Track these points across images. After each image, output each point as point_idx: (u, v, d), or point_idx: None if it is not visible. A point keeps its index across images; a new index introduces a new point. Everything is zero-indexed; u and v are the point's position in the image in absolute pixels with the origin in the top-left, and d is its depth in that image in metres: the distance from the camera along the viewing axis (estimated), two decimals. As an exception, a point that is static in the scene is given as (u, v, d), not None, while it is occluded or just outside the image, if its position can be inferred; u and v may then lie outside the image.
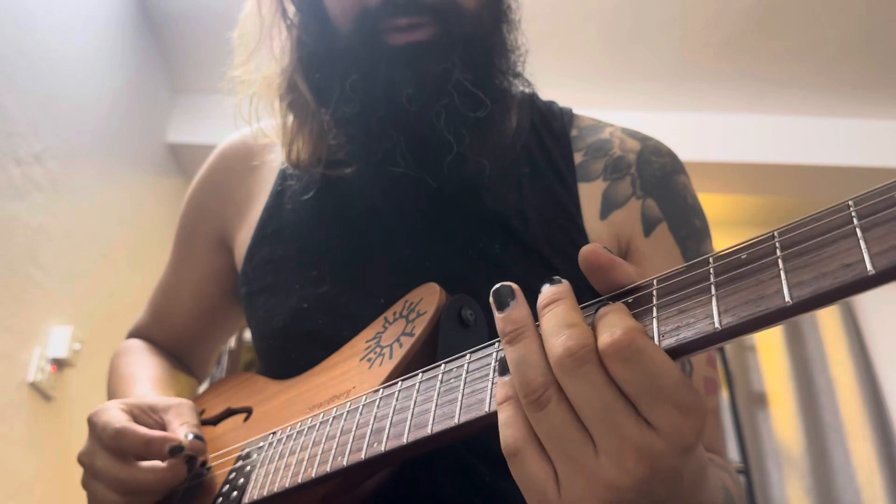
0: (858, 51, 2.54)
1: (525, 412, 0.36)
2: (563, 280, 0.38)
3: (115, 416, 0.60)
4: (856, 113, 2.80)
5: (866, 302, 3.05)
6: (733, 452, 2.75)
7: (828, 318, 3.05)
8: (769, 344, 3.06)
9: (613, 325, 0.34)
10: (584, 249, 0.38)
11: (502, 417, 0.37)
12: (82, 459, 0.61)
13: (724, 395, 2.88)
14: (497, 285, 0.39)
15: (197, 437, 0.60)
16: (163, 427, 0.63)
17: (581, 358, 0.34)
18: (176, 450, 0.58)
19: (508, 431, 0.37)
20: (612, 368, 0.34)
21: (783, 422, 2.86)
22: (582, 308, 0.38)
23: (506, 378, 0.38)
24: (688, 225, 0.71)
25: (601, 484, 0.34)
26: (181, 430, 0.61)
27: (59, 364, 1.84)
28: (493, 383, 0.41)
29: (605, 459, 0.34)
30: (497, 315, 0.38)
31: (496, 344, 0.44)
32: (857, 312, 3.06)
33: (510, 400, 0.37)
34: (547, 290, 0.38)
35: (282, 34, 0.74)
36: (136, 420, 0.62)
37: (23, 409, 1.70)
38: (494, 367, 0.42)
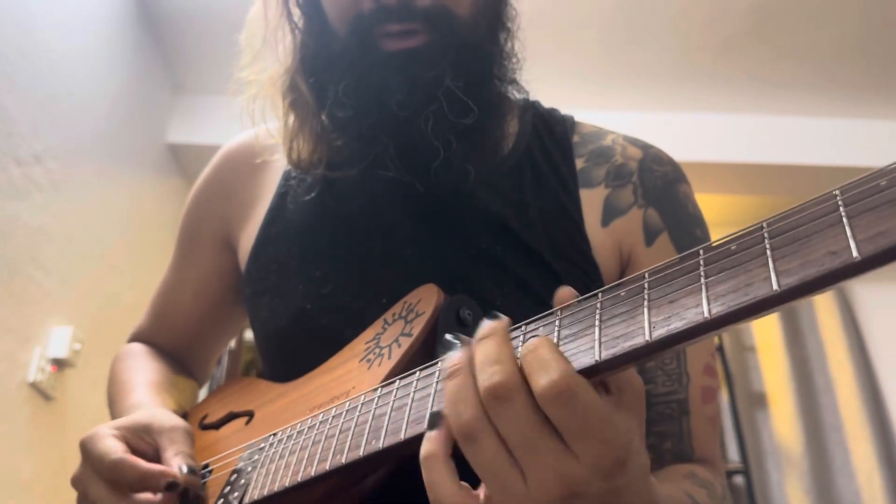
0: (855, 52, 2.54)
1: (448, 457, 0.39)
2: (503, 316, 0.41)
3: (111, 446, 0.59)
4: (853, 113, 2.80)
5: (866, 302, 3.05)
6: (733, 452, 2.75)
7: (827, 318, 3.05)
8: (769, 344, 3.06)
9: (549, 366, 0.36)
10: (560, 290, 0.42)
11: (428, 473, 0.39)
12: (76, 485, 0.61)
13: (724, 395, 2.88)
14: (446, 336, 0.43)
15: (191, 470, 0.59)
16: (156, 451, 0.62)
17: (504, 396, 0.36)
18: (172, 486, 0.57)
19: (439, 491, 0.39)
20: (546, 408, 0.36)
21: (783, 422, 2.86)
22: (536, 319, 0.43)
23: (432, 433, 0.40)
24: (689, 235, 0.71)
25: None
26: (175, 460, 0.59)
27: (59, 364, 1.84)
28: None
29: (532, 484, 0.36)
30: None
31: None
32: (856, 312, 3.06)
33: (433, 455, 0.39)
34: (483, 326, 0.40)
35: (286, 37, 0.75)
36: (130, 444, 0.61)
37: (23, 409, 1.70)
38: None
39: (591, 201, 0.71)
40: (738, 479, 2.69)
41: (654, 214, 0.71)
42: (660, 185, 0.73)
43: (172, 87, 2.74)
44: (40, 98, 1.84)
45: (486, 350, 0.38)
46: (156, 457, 0.61)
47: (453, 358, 0.40)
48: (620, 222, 0.70)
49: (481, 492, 0.39)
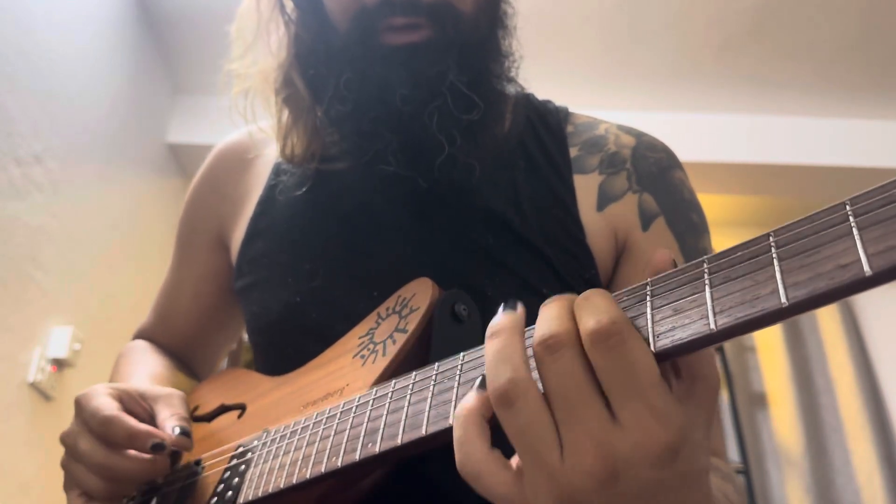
0: (855, 52, 2.54)
1: (482, 426, 0.36)
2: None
3: (105, 403, 0.59)
4: (853, 113, 2.80)
5: (866, 302, 3.04)
6: (733, 452, 2.75)
7: (828, 319, 3.04)
8: (769, 344, 3.06)
9: (600, 310, 0.34)
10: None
11: (461, 430, 0.36)
12: (65, 440, 0.61)
13: (724, 395, 2.88)
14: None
15: (183, 431, 0.59)
16: (151, 416, 0.62)
17: (557, 343, 0.34)
18: (158, 447, 0.57)
19: (467, 449, 0.36)
20: (591, 355, 0.33)
21: (783, 422, 2.86)
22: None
23: (476, 392, 0.37)
24: (685, 220, 0.71)
25: (561, 484, 0.33)
26: (168, 422, 0.60)
27: (59, 364, 1.84)
28: None
29: (568, 459, 0.33)
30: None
31: None
32: (857, 313, 3.06)
33: (470, 412, 0.36)
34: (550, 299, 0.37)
35: (279, 30, 0.74)
36: (125, 406, 0.61)
37: (23, 409, 1.70)
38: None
39: (586, 187, 0.71)
40: (738, 479, 2.69)
41: (650, 199, 0.70)
42: (654, 171, 0.72)
43: (172, 87, 2.74)
44: (40, 98, 1.84)
45: (548, 308, 0.36)
46: (150, 422, 0.62)
47: (498, 319, 0.37)
48: (616, 207, 0.70)
49: (514, 462, 0.36)
